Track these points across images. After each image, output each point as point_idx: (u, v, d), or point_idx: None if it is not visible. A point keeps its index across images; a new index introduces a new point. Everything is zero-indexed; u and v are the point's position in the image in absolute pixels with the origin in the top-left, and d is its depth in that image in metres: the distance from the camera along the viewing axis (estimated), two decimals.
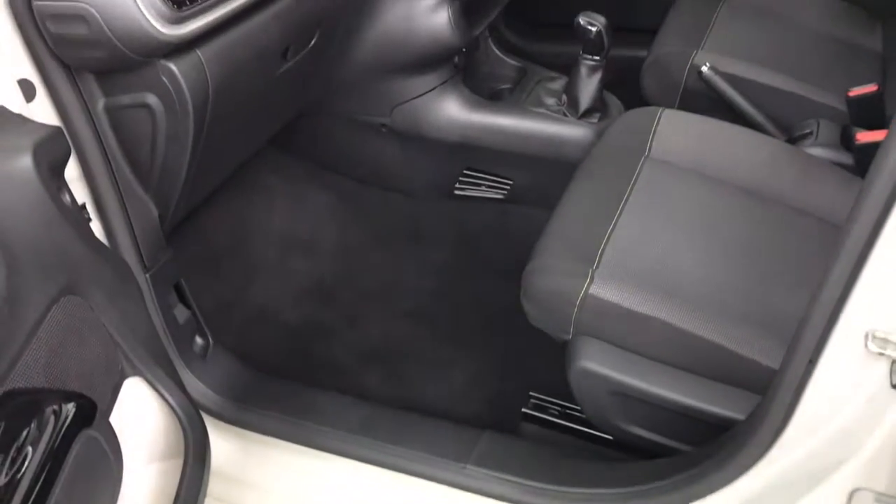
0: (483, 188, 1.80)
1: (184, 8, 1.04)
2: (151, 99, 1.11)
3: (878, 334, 0.84)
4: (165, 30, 1.02)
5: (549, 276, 1.19)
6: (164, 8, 1.01)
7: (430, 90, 1.67)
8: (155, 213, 1.23)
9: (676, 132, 1.47)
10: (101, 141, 1.14)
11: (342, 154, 1.88)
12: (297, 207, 1.91)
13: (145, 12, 1.00)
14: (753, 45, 1.79)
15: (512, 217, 1.82)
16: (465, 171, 1.79)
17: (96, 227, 1.17)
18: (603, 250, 1.21)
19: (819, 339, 0.87)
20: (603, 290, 1.13)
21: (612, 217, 1.28)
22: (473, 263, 1.86)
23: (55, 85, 1.07)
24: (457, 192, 1.82)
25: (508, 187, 1.78)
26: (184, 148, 1.17)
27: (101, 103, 1.12)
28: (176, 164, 1.19)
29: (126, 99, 1.12)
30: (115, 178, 1.17)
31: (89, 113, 1.12)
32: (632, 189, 1.34)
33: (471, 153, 1.74)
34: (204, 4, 1.07)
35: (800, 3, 1.98)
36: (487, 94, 1.81)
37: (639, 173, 1.37)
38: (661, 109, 1.51)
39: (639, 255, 1.21)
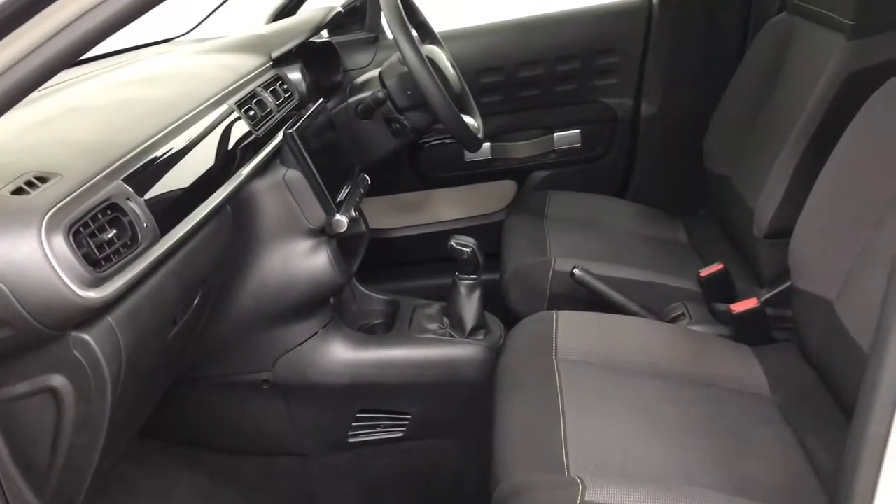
0: (379, 430, 1.67)
1: (99, 269, 0.91)
2: (58, 380, 0.92)
3: None
4: (84, 293, 0.88)
5: (535, 492, 1.10)
6: (82, 270, 0.88)
7: (313, 335, 1.58)
8: None
9: (577, 330, 1.50)
10: None
11: (213, 425, 1.67)
12: (166, 500, 1.62)
13: (64, 277, 0.86)
14: (593, 248, 1.93)
15: (414, 455, 1.70)
16: (357, 415, 1.66)
17: None
18: (567, 455, 1.15)
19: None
20: (600, 494, 1.05)
21: (559, 420, 1.23)
22: None
23: None
24: (351, 439, 1.67)
25: (406, 423, 1.67)
26: (95, 438, 0.97)
27: None
28: (83, 461, 0.97)
29: (23, 387, 0.92)
30: (3, 492, 0.92)
31: None
32: (561, 389, 1.32)
33: (363, 393, 1.63)
34: (120, 263, 0.95)
35: (610, 212, 2.19)
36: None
37: (559, 374, 1.36)
38: (555, 313, 1.54)
39: (605, 450, 1.17)
